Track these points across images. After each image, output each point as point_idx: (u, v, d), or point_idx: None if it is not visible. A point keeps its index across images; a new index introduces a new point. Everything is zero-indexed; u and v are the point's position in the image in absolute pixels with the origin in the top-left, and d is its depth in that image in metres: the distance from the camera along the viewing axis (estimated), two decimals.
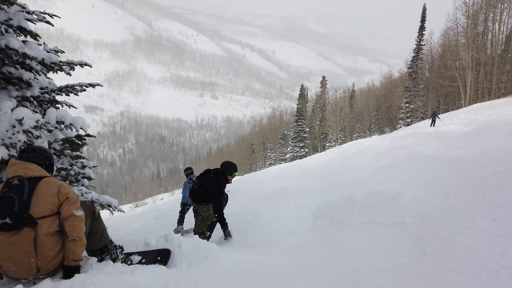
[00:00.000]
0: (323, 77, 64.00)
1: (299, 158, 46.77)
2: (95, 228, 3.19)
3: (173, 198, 30.44)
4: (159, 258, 3.34)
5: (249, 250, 4.70)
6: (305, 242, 5.84)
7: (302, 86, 61.22)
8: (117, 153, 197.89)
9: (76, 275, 2.55)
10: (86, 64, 5.33)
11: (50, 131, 4.55)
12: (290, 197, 11.18)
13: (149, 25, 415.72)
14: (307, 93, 65.41)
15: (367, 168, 13.89)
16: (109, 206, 6.92)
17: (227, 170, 5.65)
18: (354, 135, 52.76)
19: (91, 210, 3.16)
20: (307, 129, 54.36)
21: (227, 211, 7.14)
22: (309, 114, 60.03)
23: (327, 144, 52.19)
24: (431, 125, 26.52)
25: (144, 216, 17.25)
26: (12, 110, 4.09)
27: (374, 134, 46.47)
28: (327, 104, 60.55)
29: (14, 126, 3.73)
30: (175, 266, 3.11)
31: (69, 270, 2.63)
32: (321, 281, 2.98)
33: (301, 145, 51.80)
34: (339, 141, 52.78)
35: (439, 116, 29.53)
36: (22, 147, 3.77)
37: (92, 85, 5.61)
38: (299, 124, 52.14)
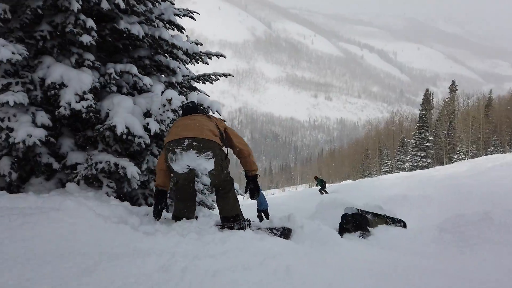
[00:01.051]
0: (453, 81, 57.58)
1: (420, 169, 43.19)
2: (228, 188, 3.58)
3: (284, 194, 31.20)
4: (281, 236, 3.48)
5: (370, 247, 4.54)
6: (427, 252, 5.39)
7: (427, 90, 56.22)
8: None
9: (216, 233, 2.92)
10: (221, 55, 5.93)
11: None
12: (410, 206, 10.41)
13: (269, 26, 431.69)
14: (432, 99, 59.68)
15: (508, 185, 12.13)
16: None
17: None
18: (489, 149, 46.20)
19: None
20: (431, 138, 49.68)
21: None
22: (434, 121, 54.72)
23: (455, 156, 46.84)
24: None
25: (256, 207, 18.10)
26: (162, 92, 4.73)
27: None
28: (457, 112, 54.29)
29: (164, 105, 4.33)
30: (298, 243, 3.23)
31: (253, 179, 3.65)
32: None
33: (422, 154, 47.66)
34: (470, 154, 46.86)
35: None
36: (170, 124, 4.35)
37: (225, 75, 6.21)
38: (421, 132, 48.05)
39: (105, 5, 4.21)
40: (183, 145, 3.16)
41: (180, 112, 4.19)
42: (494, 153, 38.35)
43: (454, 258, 4.93)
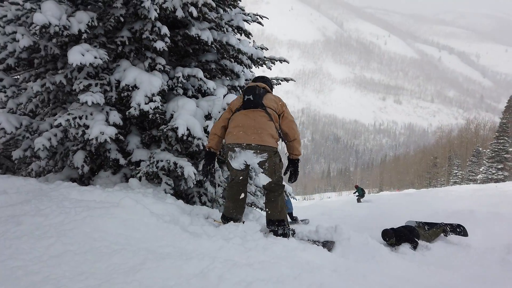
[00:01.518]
0: None
1: (495, 182, 39.62)
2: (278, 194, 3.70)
3: (341, 198, 30.44)
4: (324, 247, 3.47)
5: (421, 265, 4.36)
6: (491, 275, 5.01)
7: (511, 97, 51.17)
8: None
9: (260, 240, 2.98)
10: (284, 60, 6.03)
11: None
12: (476, 223, 9.67)
13: (341, 26, 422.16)
14: None
15: None
16: (285, 191, 7.58)
17: None
18: None
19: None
20: (511, 149, 45.25)
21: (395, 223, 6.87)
22: None
23: None
24: None
25: (311, 209, 18.01)
26: (224, 96, 5.00)
27: None
28: None
29: (224, 109, 4.56)
30: (342, 256, 3.19)
31: (293, 162, 3.76)
32: None
33: (499, 166, 43.60)
34: None
35: None
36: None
37: (286, 80, 6.29)
38: (500, 142, 43.94)
39: (179, 13, 4.55)
40: (242, 145, 3.43)
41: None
42: None
43: None
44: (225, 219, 3.72)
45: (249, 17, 5.81)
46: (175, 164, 4.38)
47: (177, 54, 5.52)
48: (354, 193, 23.75)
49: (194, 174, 4.33)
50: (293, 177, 3.79)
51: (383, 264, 3.35)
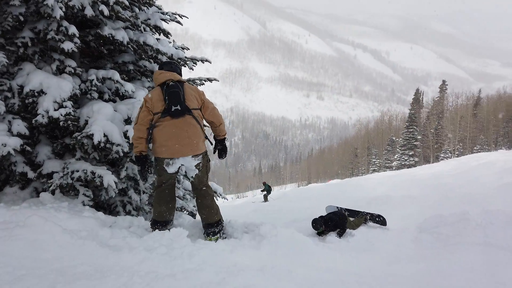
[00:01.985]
0: (443, 81, 58.27)
1: (407, 167, 43.72)
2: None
3: (272, 194, 31.17)
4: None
5: (344, 252, 4.61)
6: (405, 253, 5.50)
7: (417, 90, 56.84)
8: None
9: (186, 247, 2.91)
10: (206, 60, 5.92)
11: None
12: (393, 206, 10.55)
13: (264, 26, 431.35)
14: (422, 98, 60.31)
15: (489, 185, 12.37)
16: (215, 192, 7.52)
17: None
18: (475, 148, 46.90)
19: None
20: (419, 137, 50.27)
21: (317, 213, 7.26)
22: (423, 120, 55.39)
23: (441, 155, 47.46)
24: None
25: (244, 207, 18.18)
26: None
27: (501, 148, 40.55)
28: (446, 111, 54.97)
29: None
30: (271, 253, 3.23)
31: (221, 141, 3.90)
32: None
33: (410, 153, 48.21)
34: (457, 152, 47.52)
35: None
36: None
37: (210, 80, 6.20)
38: (410, 131, 48.57)
39: (89, 11, 4.23)
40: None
41: None
42: (480, 152, 38.99)
43: (430, 260, 5.06)
44: (158, 223, 3.68)
45: (168, 16, 5.60)
46: (92, 173, 4.06)
47: (89, 56, 5.12)
48: (261, 191, 23.17)
49: (115, 182, 4.06)
50: (223, 154, 3.98)
51: (309, 256, 3.44)
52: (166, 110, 3.39)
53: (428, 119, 54.42)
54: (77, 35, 4.30)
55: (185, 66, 5.74)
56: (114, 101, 4.80)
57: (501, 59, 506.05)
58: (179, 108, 3.37)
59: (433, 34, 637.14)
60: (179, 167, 3.52)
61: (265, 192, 21.88)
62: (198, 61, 5.79)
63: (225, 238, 3.76)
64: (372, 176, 27.49)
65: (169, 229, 3.36)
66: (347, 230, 6.70)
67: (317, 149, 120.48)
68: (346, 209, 8.01)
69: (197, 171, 3.57)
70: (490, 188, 11.28)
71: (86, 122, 4.27)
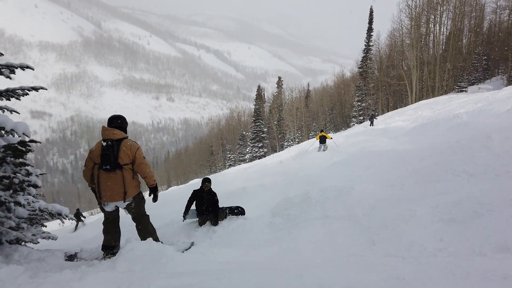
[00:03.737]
0: (279, 77, 64.98)
1: (258, 158, 46.99)
2: None
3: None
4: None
5: (206, 250, 4.72)
6: (262, 239, 5.96)
7: (259, 86, 61.67)
8: (69, 160, 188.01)
9: (21, 285, 2.47)
10: (27, 67, 4.99)
11: None
12: (249, 197, 11.29)
13: (98, 26, 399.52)
14: (264, 94, 66.03)
15: (323, 165, 14.41)
16: (59, 214, 6.58)
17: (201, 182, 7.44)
18: (310, 134, 54.07)
19: None
20: (265, 129, 54.78)
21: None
22: (266, 114, 60.63)
23: (285, 144, 53.04)
24: (370, 126, 28.27)
25: (99, 224, 16.65)
26: None
27: (329, 132, 47.89)
28: (284, 104, 61.49)
29: None
30: (128, 270, 3.04)
31: (152, 189, 4.78)
32: (272, 275, 3.07)
33: (259, 145, 52.11)
34: (297, 140, 53.90)
35: (376, 117, 32.15)
36: None
37: (36, 89, 5.27)
38: (257, 125, 52.40)
39: None
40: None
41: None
42: (314, 137, 45.18)
43: (283, 240, 5.59)
44: (107, 248, 4.61)
45: None
46: None
47: None
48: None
49: None
50: (155, 199, 4.90)
51: (170, 264, 3.40)
52: (100, 165, 4.33)
53: (271, 112, 60.05)
54: None
55: (1, 75, 4.78)
56: None
57: (321, 56, 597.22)
58: (109, 168, 4.27)
59: (266, 35, 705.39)
60: (114, 207, 4.53)
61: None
62: (16, 68, 4.85)
63: None
64: (228, 171, 28.76)
65: (114, 253, 4.38)
66: (207, 227, 7.26)
67: (174, 151, 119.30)
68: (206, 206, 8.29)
69: (128, 210, 4.61)
70: (324, 168, 13.12)
71: None
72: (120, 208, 4.68)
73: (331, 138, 22.33)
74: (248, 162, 49.01)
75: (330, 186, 7.48)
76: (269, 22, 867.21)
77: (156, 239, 4.79)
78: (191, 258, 3.98)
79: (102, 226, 4.80)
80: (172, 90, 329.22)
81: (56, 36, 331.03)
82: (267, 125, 57.30)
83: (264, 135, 53.41)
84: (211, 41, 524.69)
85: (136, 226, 4.82)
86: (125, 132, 4.72)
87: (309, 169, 14.28)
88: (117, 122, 4.61)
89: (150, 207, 16.15)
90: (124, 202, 4.43)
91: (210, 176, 30.80)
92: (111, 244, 4.62)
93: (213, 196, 7.51)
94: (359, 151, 14.69)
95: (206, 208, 7.57)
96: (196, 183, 28.56)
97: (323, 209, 6.63)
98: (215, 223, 7.47)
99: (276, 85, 64.79)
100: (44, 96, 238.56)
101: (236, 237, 6.78)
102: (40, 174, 6.22)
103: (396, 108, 43.59)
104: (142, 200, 4.78)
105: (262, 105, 59.27)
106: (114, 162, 4.28)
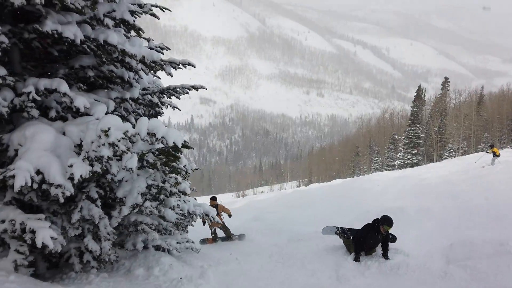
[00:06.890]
0: (445, 78, 56.99)
1: (410, 166, 42.69)
2: None
3: (273, 195, 30.07)
4: None
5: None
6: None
7: (419, 87, 55.63)
8: (225, 144, 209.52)
9: None
10: (189, 64, 4.64)
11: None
12: (407, 222, 9.41)
13: (263, 22, 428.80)
14: (424, 95, 59.07)
15: (508, 193, 11.28)
16: (207, 215, 6.44)
17: (381, 221, 6.45)
18: (479, 146, 45.80)
19: None
20: (422, 135, 49.15)
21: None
22: (425, 118, 54.19)
23: (445, 154, 46.40)
24: None
25: (244, 212, 17.00)
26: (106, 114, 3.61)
27: (506, 147, 39.39)
28: (448, 109, 53.78)
29: (100, 137, 3.13)
30: None
31: None
32: None
33: (413, 152, 47.15)
34: (461, 151, 46.43)
35: None
36: (107, 163, 3.16)
37: (196, 88, 4.95)
38: (413, 129, 47.48)
39: (16, 0, 3.09)
40: None
41: (121, 147, 3.11)
42: (484, 150, 37.83)
43: None
44: None
45: (140, 8, 4.35)
46: (22, 226, 2.86)
47: (35, 60, 3.92)
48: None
49: (54, 238, 2.88)
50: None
51: None
52: None
53: (431, 116, 53.20)
54: (6, 31, 3.14)
55: (162, 71, 4.53)
56: (65, 120, 3.62)
57: (502, 55, 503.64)
58: None
59: (433, 30, 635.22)
60: None
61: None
62: (178, 65, 4.52)
63: None
64: (375, 177, 26.32)
65: None
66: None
67: (318, 147, 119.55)
68: (348, 229, 7.49)
69: None
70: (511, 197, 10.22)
71: (16, 153, 3.08)
72: None
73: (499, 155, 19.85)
74: (397, 168, 44.83)
75: None
76: (439, 15, 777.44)
77: None
78: None
79: None
80: (323, 86, 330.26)
81: (227, 31, 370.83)
82: (425, 131, 51.00)
83: (420, 141, 47.93)
84: (370, 37, 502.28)
85: None
86: None
87: (491, 196, 11.21)
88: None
89: (290, 204, 15.26)
90: None
91: (355, 180, 28.87)
92: None
93: (387, 237, 6.64)
94: None
95: (374, 244, 6.69)
96: (338, 184, 27.17)
97: None
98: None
99: (440, 86, 57.20)
100: (212, 85, 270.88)
101: (395, 281, 5.42)
102: (195, 169, 6.06)
103: None
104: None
105: (421, 107, 53.24)
106: None
